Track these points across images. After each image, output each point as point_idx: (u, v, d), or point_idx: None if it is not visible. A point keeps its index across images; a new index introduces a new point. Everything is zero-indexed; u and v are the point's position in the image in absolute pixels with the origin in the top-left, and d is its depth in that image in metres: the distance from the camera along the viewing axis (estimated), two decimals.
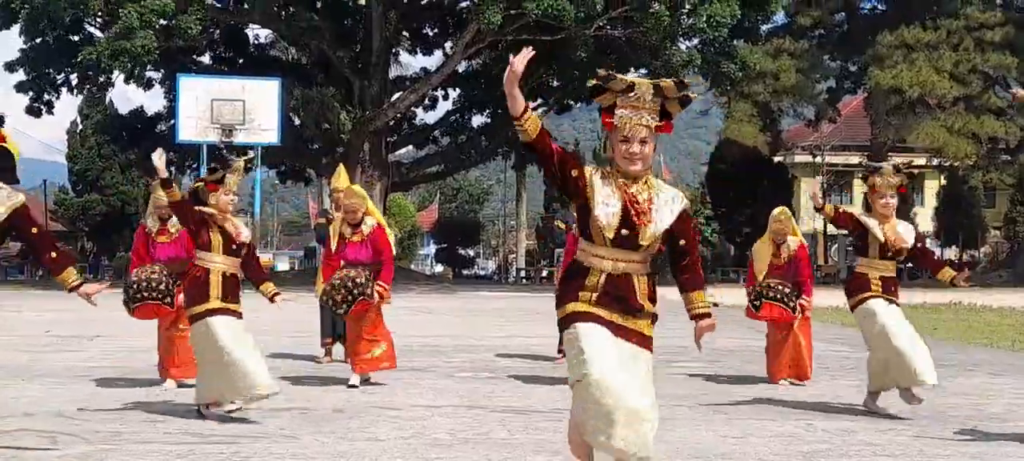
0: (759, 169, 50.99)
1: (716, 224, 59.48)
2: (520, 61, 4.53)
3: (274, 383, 7.72)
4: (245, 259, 7.92)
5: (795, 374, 10.11)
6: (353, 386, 9.43)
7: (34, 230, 6.19)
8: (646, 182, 4.79)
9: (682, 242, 4.89)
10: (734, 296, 26.92)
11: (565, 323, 4.79)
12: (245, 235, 7.86)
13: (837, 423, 7.74)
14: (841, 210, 8.70)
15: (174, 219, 9.01)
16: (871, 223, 8.20)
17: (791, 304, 9.90)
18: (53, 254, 6.24)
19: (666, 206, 4.77)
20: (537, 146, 4.70)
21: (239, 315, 7.72)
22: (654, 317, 4.86)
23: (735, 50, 39.01)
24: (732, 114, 48.62)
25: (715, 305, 24.78)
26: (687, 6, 35.73)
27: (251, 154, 9.67)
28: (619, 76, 4.72)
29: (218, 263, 7.67)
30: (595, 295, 4.74)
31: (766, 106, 47.67)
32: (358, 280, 9.24)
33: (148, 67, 39.01)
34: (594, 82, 4.75)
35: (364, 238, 9.52)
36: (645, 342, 4.79)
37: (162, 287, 9.03)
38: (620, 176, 4.75)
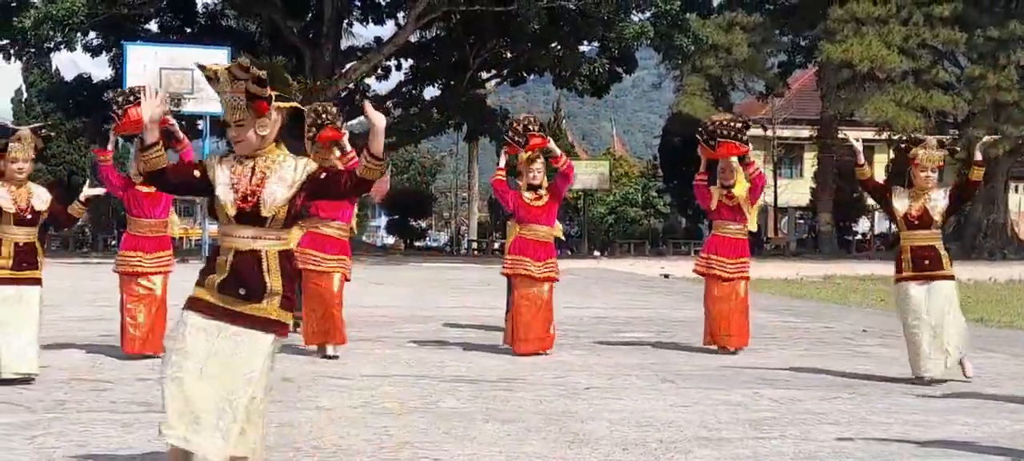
0: None
1: (668, 196, 59.78)
2: None
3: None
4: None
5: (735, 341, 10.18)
6: (334, 357, 9.31)
7: None
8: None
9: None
10: (685, 268, 27.05)
11: None
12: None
13: (784, 392, 7.80)
14: (872, 177, 9.22)
15: None
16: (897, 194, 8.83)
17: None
18: None
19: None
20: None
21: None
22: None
23: (688, 23, 39.07)
24: (684, 88, 48.68)
25: (666, 277, 24.97)
26: None
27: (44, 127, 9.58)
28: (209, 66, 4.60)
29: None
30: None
31: (718, 80, 47.77)
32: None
33: (86, 34, 38.45)
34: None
35: None
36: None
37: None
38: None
